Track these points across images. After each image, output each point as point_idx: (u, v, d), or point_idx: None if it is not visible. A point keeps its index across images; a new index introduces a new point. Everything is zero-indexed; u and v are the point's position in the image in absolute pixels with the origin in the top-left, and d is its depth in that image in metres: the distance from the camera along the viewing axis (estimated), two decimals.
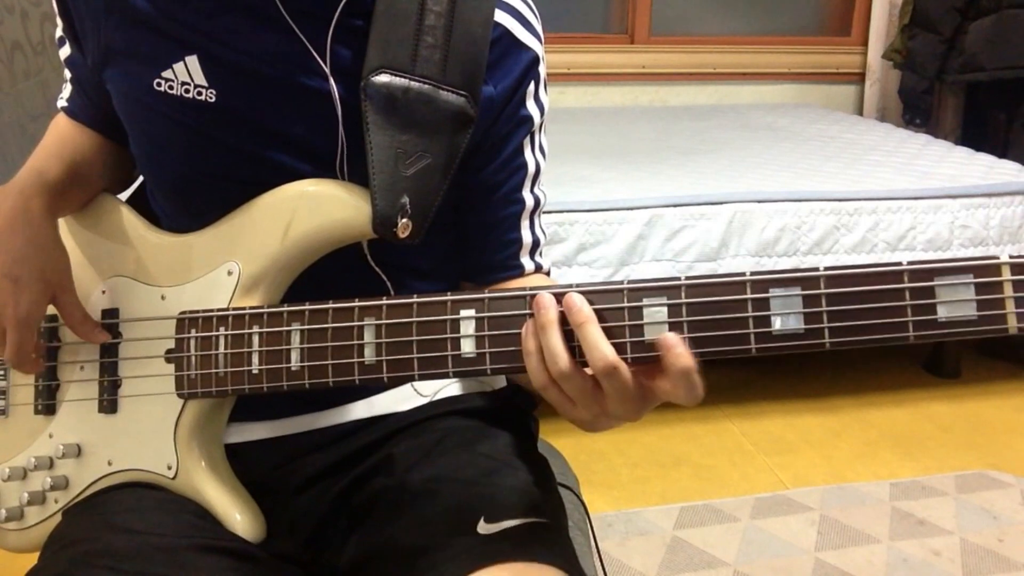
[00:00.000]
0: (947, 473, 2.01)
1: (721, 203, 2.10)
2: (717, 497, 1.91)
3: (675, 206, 2.08)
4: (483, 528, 0.69)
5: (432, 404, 0.85)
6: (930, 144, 2.76)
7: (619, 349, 0.59)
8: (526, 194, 0.83)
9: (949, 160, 2.53)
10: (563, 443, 1.05)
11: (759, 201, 2.13)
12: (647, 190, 2.14)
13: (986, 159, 2.54)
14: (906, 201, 2.19)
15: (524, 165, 0.82)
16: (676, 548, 1.72)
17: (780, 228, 2.12)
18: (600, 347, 0.58)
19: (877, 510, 1.86)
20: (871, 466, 2.05)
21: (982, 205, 2.23)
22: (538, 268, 0.86)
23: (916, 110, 3.32)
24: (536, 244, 0.86)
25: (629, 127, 3.03)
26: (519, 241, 0.84)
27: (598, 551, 0.91)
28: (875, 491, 1.93)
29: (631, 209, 2.05)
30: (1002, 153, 2.75)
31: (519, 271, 0.85)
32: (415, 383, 0.85)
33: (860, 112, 3.63)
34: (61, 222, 0.82)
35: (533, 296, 0.62)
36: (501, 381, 0.93)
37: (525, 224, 0.84)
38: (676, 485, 1.98)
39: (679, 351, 0.57)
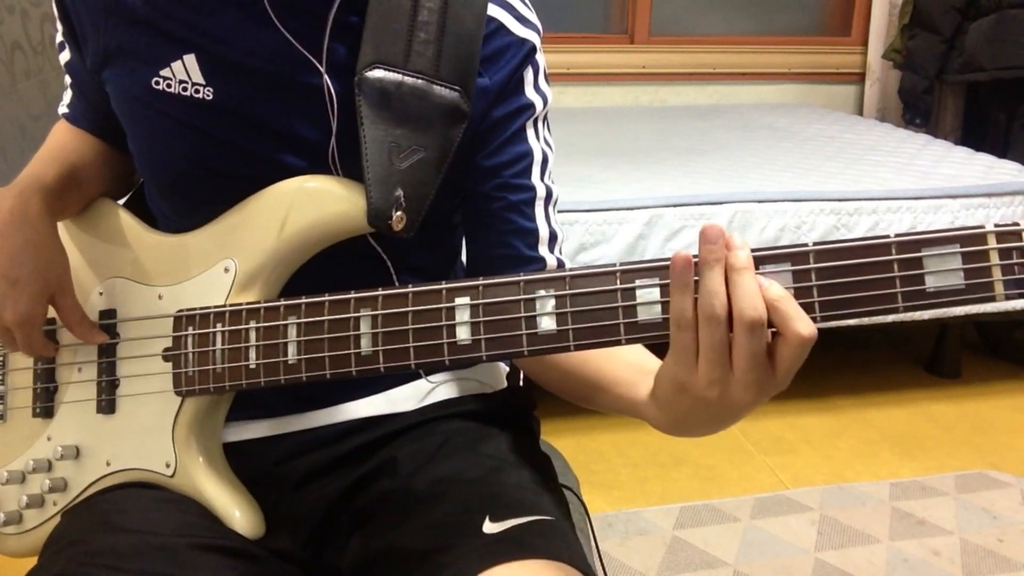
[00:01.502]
0: (947, 473, 2.01)
1: (721, 203, 2.10)
2: (717, 497, 1.91)
3: (675, 206, 2.08)
4: (488, 527, 0.69)
5: (434, 406, 0.85)
6: (930, 144, 2.76)
7: (613, 331, 0.60)
8: (536, 181, 0.81)
9: (949, 160, 2.53)
10: (563, 443, 1.05)
11: (759, 201, 2.13)
12: (647, 190, 2.14)
13: (986, 159, 2.54)
14: (906, 201, 2.19)
15: (529, 152, 0.81)
16: (676, 548, 1.72)
17: (780, 228, 2.12)
18: (755, 296, 0.55)
19: (877, 510, 1.85)
20: (871, 466, 2.05)
21: (982, 205, 2.23)
22: (560, 265, 0.83)
23: (916, 110, 3.32)
24: (554, 237, 0.83)
25: (629, 127, 3.03)
26: (535, 232, 0.81)
27: (598, 551, 0.91)
28: (875, 491, 1.93)
29: (631, 209, 2.05)
30: (1002, 153, 2.75)
31: (540, 264, 0.82)
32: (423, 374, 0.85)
33: (860, 112, 3.63)
34: (59, 225, 0.82)
35: (527, 283, 0.62)
36: (502, 382, 0.93)
37: (540, 213, 0.82)
38: (676, 485, 1.97)
39: (764, 283, 0.55)
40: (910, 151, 2.65)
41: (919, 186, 2.25)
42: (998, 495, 1.91)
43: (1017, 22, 2.89)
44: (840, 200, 2.16)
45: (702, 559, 1.69)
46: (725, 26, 3.61)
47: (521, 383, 0.96)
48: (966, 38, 3.04)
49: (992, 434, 2.20)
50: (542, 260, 0.82)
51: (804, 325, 0.55)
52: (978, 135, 3.17)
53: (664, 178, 2.27)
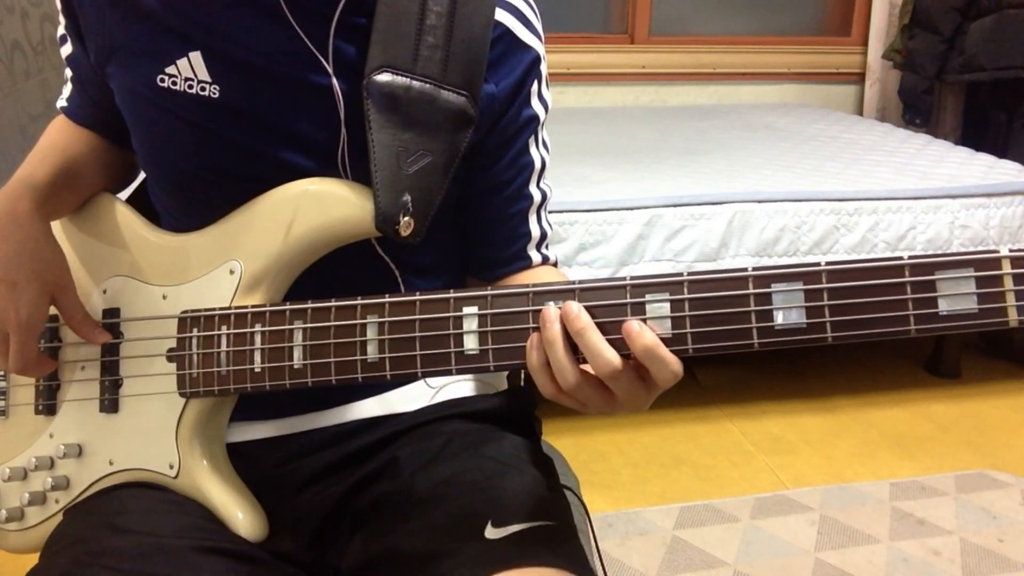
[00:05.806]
0: (947, 473, 2.01)
1: (721, 203, 2.10)
2: (717, 497, 1.91)
3: (675, 206, 2.08)
4: (490, 533, 0.69)
5: (436, 406, 0.85)
6: (930, 144, 2.76)
7: (622, 345, 0.60)
8: (533, 189, 0.84)
9: (949, 160, 2.53)
10: (563, 443, 1.05)
11: (759, 201, 2.13)
12: (647, 190, 2.14)
13: (986, 159, 2.54)
14: (906, 201, 2.19)
15: (531, 163, 0.83)
16: (676, 548, 1.72)
17: (780, 228, 2.12)
18: (603, 353, 0.59)
19: (877, 510, 1.86)
20: (871, 466, 2.05)
21: (982, 205, 2.23)
22: (545, 260, 0.87)
23: (916, 110, 3.32)
24: (543, 237, 0.87)
25: (629, 127, 3.03)
26: (528, 235, 0.85)
27: (598, 551, 0.91)
28: (875, 491, 1.93)
29: (631, 209, 2.05)
30: (1002, 153, 2.75)
31: (527, 263, 0.86)
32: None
33: (860, 112, 3.63)
34: (60, 223, 0.82)
35: (536, 294, 0.62)
36: (504, 383, 0.93)
37: (533, 218, 0.85)
38: (676, 485, 1.98)
39: (636, 332, 0.58)
40: (910, 151, 2.65)
41: (919, 186, 2.25)
42: (998, 495, 1.91)
43: (1017, 22, 2.89)
44: (840, 200, 2.16)
45: (702, 559, 1.69)
46: (725, 26, 3.61)
47: (523, 383, 0.96)
48: (966, 38, 3.04)
49: (992, 434, 2.20)
50: (528, 259, 0.86)
51: (672, 370, 0.59)
52: (978, 135, 3.17)
53: (664, 178, 2.27)
